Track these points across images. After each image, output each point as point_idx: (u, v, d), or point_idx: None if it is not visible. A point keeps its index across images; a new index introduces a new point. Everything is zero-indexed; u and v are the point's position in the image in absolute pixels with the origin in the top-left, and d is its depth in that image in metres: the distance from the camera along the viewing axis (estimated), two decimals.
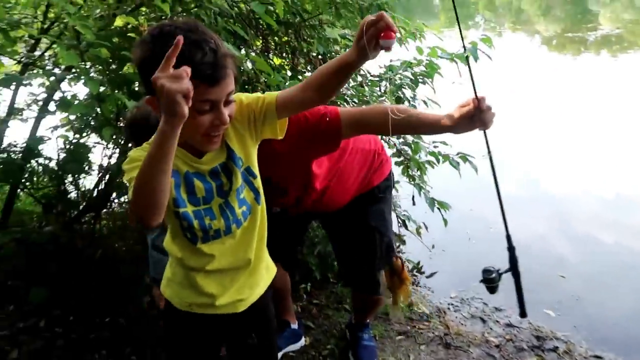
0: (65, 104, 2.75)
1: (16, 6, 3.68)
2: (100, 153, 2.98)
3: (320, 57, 2.91)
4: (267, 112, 1.24)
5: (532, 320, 2.69)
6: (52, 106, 3.00)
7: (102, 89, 2.45)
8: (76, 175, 2.86)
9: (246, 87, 2.44)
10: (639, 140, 5.07)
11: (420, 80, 2.88)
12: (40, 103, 3.09)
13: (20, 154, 2.85)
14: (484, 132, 1.48)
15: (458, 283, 3.05)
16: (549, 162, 4.86)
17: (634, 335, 2.62)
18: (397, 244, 3.32)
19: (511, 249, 1.47)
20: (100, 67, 2.70)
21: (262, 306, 1.44)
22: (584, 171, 4.64)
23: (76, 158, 2.69)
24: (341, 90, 2.81)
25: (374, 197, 1.99)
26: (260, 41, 2.95)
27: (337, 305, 2.71)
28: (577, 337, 2.59)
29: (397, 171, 2.95)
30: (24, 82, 2.82)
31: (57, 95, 2.94)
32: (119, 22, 2.47)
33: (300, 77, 2.69)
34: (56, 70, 3.03)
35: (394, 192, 3.09)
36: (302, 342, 2.39)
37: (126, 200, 3.05)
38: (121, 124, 2.72)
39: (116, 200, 3.04)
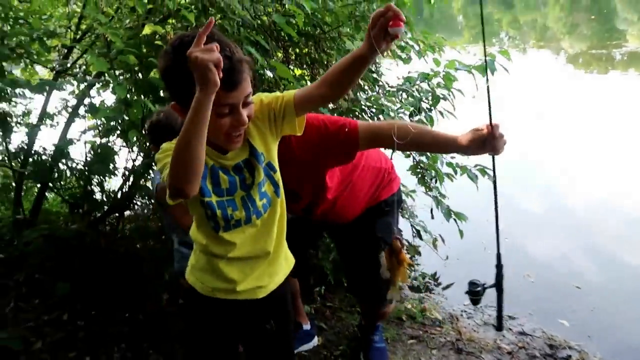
0: (94, 109, 2.89)
1: (51, 18, 3.88)
2: (125, 157, 3.11)
3: None
4: (286, 109, 1.32)
5: (546, 329, 2.68)
6: (81, 111, 3.16)
7: (129, 95, 2.58)
8: (102, 177, 2.98)
9: None
10: None
11: (441, 96, 2.92)
12: (70, 110, 3.24)
13: (50, 157, 3.00)
14: (492, 157, 1.54)
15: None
16: (571, 178, 4.84)
17: None
18: (411, 255, 3.34)
19: (499, 266, 1.54)
20: (128, 74, 2.83)
21: (280, 294, 1.51)
22: (605, 187, 4.60)
23: (102, 160, 2.82)
24: (359, 100, 2.90)
25: (381, 211, 2.04)
26: (281, 52, 3.04)
27: (350, 308, 2.75)
28: (591, 346, 2.57)
29: (413, 181, 3.00)
30: (57, 88, 2.96)
31: (86, 102, 3.10)
32: (147, 30, 2.60)
33: None
34: (87, 78, 3.19)
35: (409, 201, 3.17)
36: (315, 341, 2.44)
37: (149, 201, 3.17)
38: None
39: (139, 202, 3.14)
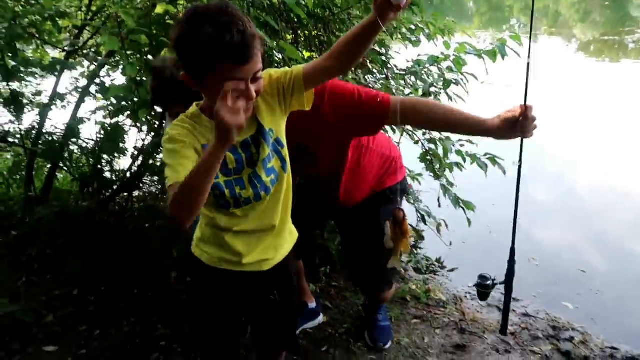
0: (104, 89, 2.92)
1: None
2: (135, 137, 3.14)
3: None
4: (295, 84, 1.33)
5: (550, 312, 2.71)
6: (91, 91, 3.19)
7: (139, 76, 2.60)
8: (112, 156, 3.01)
9: None
10: None
11: (453, 81, 2.90)
12: (80, 90, 3.27)
13: (62, 137, 3.04)
14: (521, 141, 1.55)
15: (476, 274, 3.07)
16: (581, 165, 4.83)
17: None
18: (415, 240, 3.37)
19: (511, 262, 1.53)
20: (138, 55, 2.85)
21: (285, 267, 1.54)
22: (614, 174, 4.59)
23: (112, 139, 2.85)
24: (368, 84, 2.90)
25: (386, 198, 2.05)
26: (291, 34, 3.05)
27: (355, 288, 2.77)
28: (595, 329, 2.59)
29: (420, 166, 3.01)
30: (68, 67, 2.99)
31: (97, 82, 3.13)
32: (158, 10, 2.61)
33: None
34: (97, 58, 3.22)
35: (415, 185, 3.18)
36: (320, 319, 2.47)
37: (156, 181, 3.21)
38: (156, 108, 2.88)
39: (148, 181, 3.17)
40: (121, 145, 2.91)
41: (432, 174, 2.93)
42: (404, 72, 3.09)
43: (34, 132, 3.20)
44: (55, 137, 3.09)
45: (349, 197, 2.00)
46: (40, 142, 3.11)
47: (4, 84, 3.06)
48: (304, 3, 2.68)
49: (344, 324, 2.50)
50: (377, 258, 2.04)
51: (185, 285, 2.58)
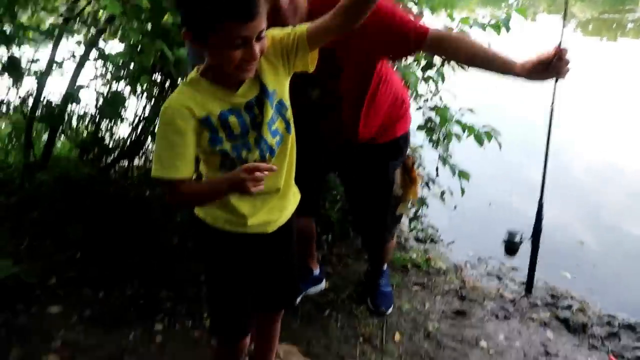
0: (104, 55, 2.89)
1: None
2: (134, 107, 3.11)
3: None
4: (299, 45, 1.31)
5: (548, 280, 2.74)
6: (90, 58, 3.14)
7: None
8: (111, 122, 2.99)
9: None
10: None
11: None
12: (79, 58, 3.23)
13: (61, 101, 3.00)
14: (555, 81, 1.61)
15: (476, 244, 3.11)
16: (577, 144, 4.83)
17: None
18: (418, 207, 3.36)
19: (539, 218, 1.55)
20: (138, 20, 2.80)
21: (288, 228, 1.54)
22: (612, 153, 4.62)
23: (112, 104, 2.82)
24: None
25: (395, 151, 2.03)
26: None
27: (356, 255, 2.79)
28: (592, 298, 2.63)
29: (421, 136, 3.00)
30: (66, 32, 2.94)
31: (95, 54, 3.08)
32: None
33: None
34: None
35: (420, 153, 3.18)
36: (323, 285, 2.49)
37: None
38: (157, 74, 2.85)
39: (149, 148, 3.15)
40: (121, 108, 2.87)
41: (432, 144, 2.93)
42: None
43: (31, 98, 3.16)
44: (53, 104, 3.06)
45: (364, 129, 1.93)
46: (37, 108, 3.07)
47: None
48: None
49: (345, 289, 2.52)
50: (384, 207, 2.03)
51: (187, 251, 2.58)
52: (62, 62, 3.26)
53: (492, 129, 2.68)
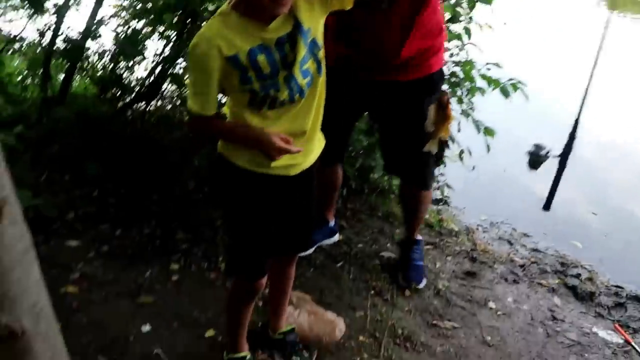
0: None
1: None
2: (154, 47, 3.05)
3: None
4: None
5: (559, 249, 2.76)
6: None
7: None
8: (131, 59, 2.94)
9: None
10: None
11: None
12: None
13: (80, 36, 2.95)
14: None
15: (488, 208, 3.12)
16: (587, 119, 4.77)
17: None
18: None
19: (573, 134, 1.49)
20: None
21: (310, 172, 1.53)
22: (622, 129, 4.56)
23: (132, 41, 2.77)
24: None
25: (430, 87, 1.99)
26: None
27: (370, 212, 2.81)
28: (601, 268, 2.66)
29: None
30: None
31: None
32: None
33: None
34: None
35: None
36: (337, 237, 2.50)
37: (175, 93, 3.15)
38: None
39: (167, 92, 3.13)
40: (141, 47, 2.83)
41: (455, 99, 2.88)
42: None
43: (49, 32, 3.10)
44: (73, 38, 3.00)
45: (407, 48, 1.88)
46: (56, 42, 3.02)
47: None
48: None
49: (358, 243, 2.54)
50: (420, 144, 1.99)
51: (204, 196, 2.59)
52: None
53: (517, 81, 2.63)
